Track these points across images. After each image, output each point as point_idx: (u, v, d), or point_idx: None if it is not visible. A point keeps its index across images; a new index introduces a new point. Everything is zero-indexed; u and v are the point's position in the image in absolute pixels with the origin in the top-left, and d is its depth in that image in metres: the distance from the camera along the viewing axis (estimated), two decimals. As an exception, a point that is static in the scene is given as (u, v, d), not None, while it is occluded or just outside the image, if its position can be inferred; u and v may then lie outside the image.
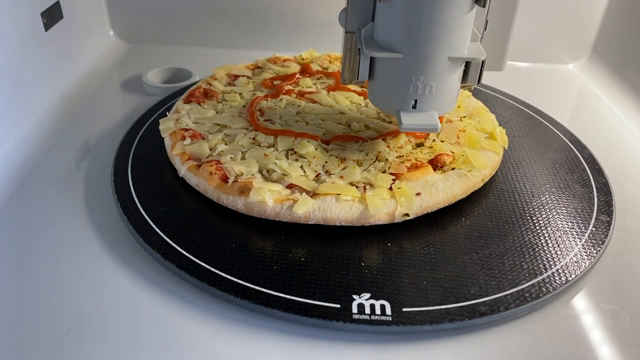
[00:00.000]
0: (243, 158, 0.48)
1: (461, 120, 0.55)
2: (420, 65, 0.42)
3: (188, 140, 0.50)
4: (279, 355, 0.35)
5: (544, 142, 0.57)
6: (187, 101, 0.57)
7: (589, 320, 0.38)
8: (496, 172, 0.51)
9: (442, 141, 0.51)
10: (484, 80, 0.68)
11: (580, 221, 0.45)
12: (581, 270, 0.40)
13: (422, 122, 0.44)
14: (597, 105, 0.70)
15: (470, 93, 0.60)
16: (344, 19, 0.44)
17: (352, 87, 0.61)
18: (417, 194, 0.44)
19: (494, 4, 0.45)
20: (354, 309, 0.36)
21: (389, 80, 0.44)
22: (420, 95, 0.43)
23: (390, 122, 0.54)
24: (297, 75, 0.63)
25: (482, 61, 0.44)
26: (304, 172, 0.46)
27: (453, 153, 0.49)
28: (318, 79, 0.63)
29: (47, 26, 0.62)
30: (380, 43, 0.43)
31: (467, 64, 0.44)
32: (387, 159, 0.48)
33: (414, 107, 0.44)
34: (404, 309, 0.37)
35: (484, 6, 0.41)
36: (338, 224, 0.43)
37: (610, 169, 0.52)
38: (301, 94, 0.59)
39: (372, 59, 0.44)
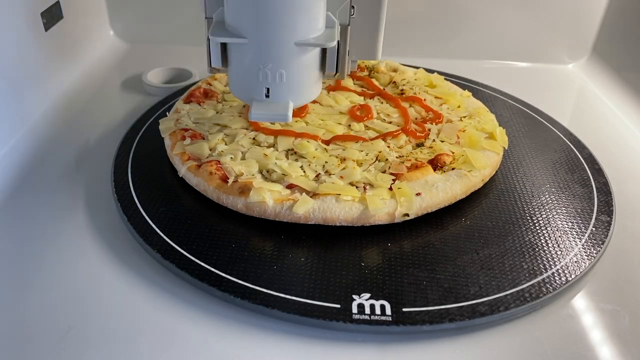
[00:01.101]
0: (243, 158, 0.48)
1: (461, 120, 0.55)
2: (267, 51, 0.41)
3: (188, 140, 0.50)
4: (279, 355, 0.35)
5: (544, 142, 0.57)
6: (187, 101, 0.57)
7: (589, 320, 0.38)
8: (496, 172, 0.51)
9: (442, 141, 0.51)
10: (484, 81, 0.69)
11: (580, 221, 0.45)
12: (581, 270, 0.40)
13: (273, 111, 0.42)
14: (597, 105, 0.70)
15: (470, 93, 0.60)
16: (203, 4, 0.43)
17: (351, 87, 0.61)
18: (417, 194, 0.44)
19: None
20: (354, 309, 0.36)
21: (241, 67, 0.43)
22: (271, 84, 0.42)
23: (390, 122, 0.54)
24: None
25: (338, 48, 0.42)
26: (304, 172, 0.46)
27: (453, 153, 0.49)
28: (318, 79, 0.63)
29: (47, 26, 0.62)
30: (229, 28, 0.41)
31: (324, 51, 0.42)
32: (387, 159, 0.48)
33: (267, 96, 0.42)
34: (404, 309, 0.37)
35: None
36: (338, 224, 0.43)
37: (610, 169, 0.52)
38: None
39: (224, 46, 0.42)
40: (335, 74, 0.44)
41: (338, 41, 0.42)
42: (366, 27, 0.44)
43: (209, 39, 0.42)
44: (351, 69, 0.46)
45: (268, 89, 0.42)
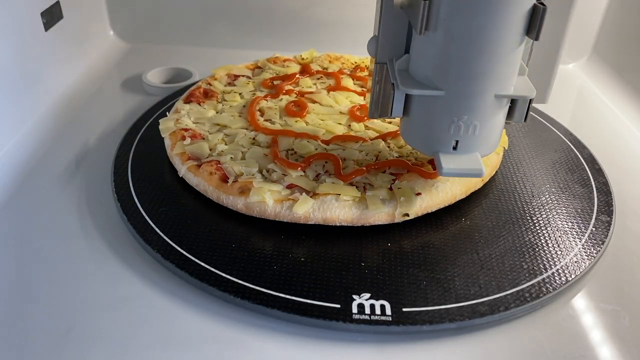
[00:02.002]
0: (243, 158, 0.48)
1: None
2: (464, 104, 0.38)
3: (188, 140, 0.50)
4: (279, 355, 0.35)
5: (544, 142, 0.57)
6: (187, 101, 0.57)
7: (589, 320, 0.38)
8: (496, 172, 0.51)
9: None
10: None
11: (580, 221, 0.45)
12: (581, 270, 0.40)
13: (465, 165, 0.39)
14: (597, 105, 0.70)
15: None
16: (374, 49, 0.40)
17: (351, 87, 0.61)
18: (417, 194, 0.44)
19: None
20: (354, 309, 0.36)
21: (427, 119, 0.40)
22: (462, 136, 0.39)
23: (390, 122, 0.54)
24: (297, 75, 0.63)
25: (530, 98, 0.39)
26: (304, 172, 0.46)
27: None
28: (318, 79, 0.63)
29: (47, 26, 0.62)
30: (417, 77, 0.39)
31: (514, 100, 0.40)
32: (387, 159, 0.48)
33: (454, 149, 0.40)
34: (404, 309, 0.37)
35: (537, 39, 0.36)
36: (338, 224, 0.43)
37: (610, 169, 0.52)
38: (301, 94, 0.59)
39: (407, 95, 0.40)
40: (525, 121, 0.42)
41: None
42: (540, 69, 0.42)
43: (393, 89, 0.39)
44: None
45: (457, 142, 0.40)
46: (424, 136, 0.41)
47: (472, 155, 0.40)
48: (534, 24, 0.35)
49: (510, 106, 0.41)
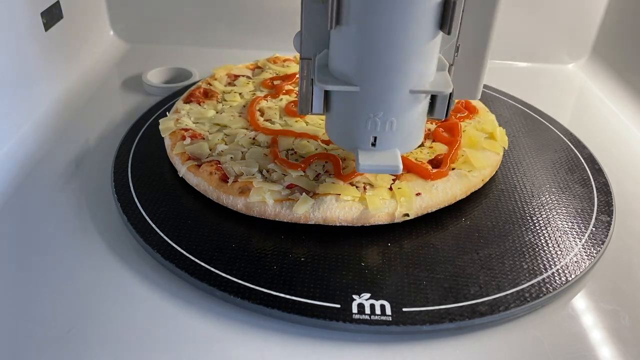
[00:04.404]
0: (243, 158, 0.48)
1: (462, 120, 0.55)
2: (379, 100, 0.38)
3: (188, 140, 0.50)
4: (279, 355, 0.35)
5: (544, 142, 0.57)
6: (187, 101, 0.57)
7: (589, 320, 0.38)
8: (496, 172, 0.51)
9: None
10: (485, 81, 0.69)
11: (580, 221, 0.45)
12: (581, 270, 0.40)
13: (382, 162, 0.39)
14: (597, 105, 0.70)
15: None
16: (299, 44, 0.40)
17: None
18: (417, 194, 0.44)
19: (465, 27, 0.40)
20: (354, 309, 0.36)
21: (346, 115, 0.40)
22: (379, 132, 0.39)
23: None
24: (297, 75, 0.63)
25: (450, 93, 0.39)
26: (304, 172, 0.46)
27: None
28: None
29: (47, 26, 0.62)
30: (335, 73, 0.39)
31: (434, 96, 0.40)
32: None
33: (373, 145, 0.40)
34: (404, 309, 0.37)
35: (449, 33, 0.35)
36: (338, 224, 0.43)
37: (610, 169, 0.53)
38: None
39: (327, 91, 0.40)
40: (445, 118, 0.41)
41: None
42: (468, 65, 0.41)
43: (311, 84, 0.39)
44: (451, 110, 0.43)
45: (375, 138, 0.39)
46: (344, 132, 0.41)
47: (391, 151, 0.40)
48: (445, 18, 0.35)
49: (431, 102, 0.40)
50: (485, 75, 0.42)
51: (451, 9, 0.34)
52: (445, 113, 0.40)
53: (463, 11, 0.38)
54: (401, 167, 0.39)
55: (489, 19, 0.40)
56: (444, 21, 0.35)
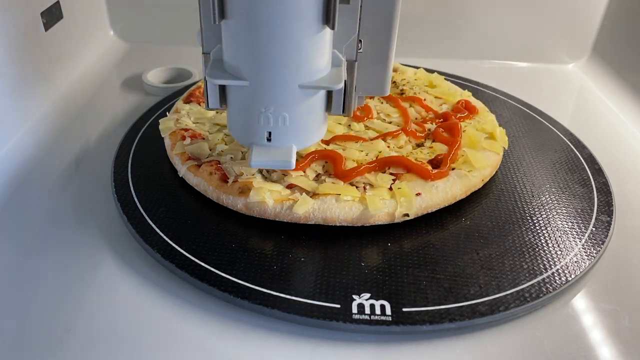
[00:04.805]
0: (243, 158, 0.48)
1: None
2: (268, 94, 0.38)
3: (188, 140, 0.50)
4: (279, 355, 0.35)
5: (544, 142, 0.57)
6: (187, 101, 0.57)
7: (589, 320, 0.38)
8: (496, 172, 0.51)
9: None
10: (484, 81, 0.69)
11: (580, 221, 0.45)
12: (581, 270, 0.40)
13: (274, 157, 0.39)
14: (597, 105, 0.70)
15: (470, 93, 0.60)
16: (200, 39, 0.40)
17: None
18: (417, 194, 0.44)
19: (369, 23, 0.39)
20: (354, 309, 0.36)
21: (241, 110, 0.40)
22: (273, 127, 0.39)
23: (390, 122, 0.54)
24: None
25: (347, 87, 0.39)
26: (304, 172, 0.46)
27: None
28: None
29: (47, 26, 0.62)
30: (228, 68, 0.39)
31: (330, 92, 0.40)
32: (386, 157, 0.48)
33: (269, 140, 0.40)
34: (404, 309, 0.37)
35: (333, 28, 0.35)
36: (338, 224, 0.43)
37: (610, 169, 0.52)
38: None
39: (223, 86, 0.40)
40: (344, 114, 0.42)
41: (345, 80, 0.39)
42: (374, 61, 0.41)
43: (205, 79, 0.40)
44: (357, 104, 0.43)
45: (270, 133, 0.39)
46: (241, 127, 0.41)
47: (286, 147, 0.40)
48: (329, 13, 0.35)
49: (328, 98, 0.41)
50: (391, 69, 0.42)
51: (332, 4, 0.34)
52: (342, 109, 0.40)
53: (361, 7, 0.38)
54: (294, 163, 0.39)
55: (390, 15, 0.39)
56: (327, 16, 0.35)
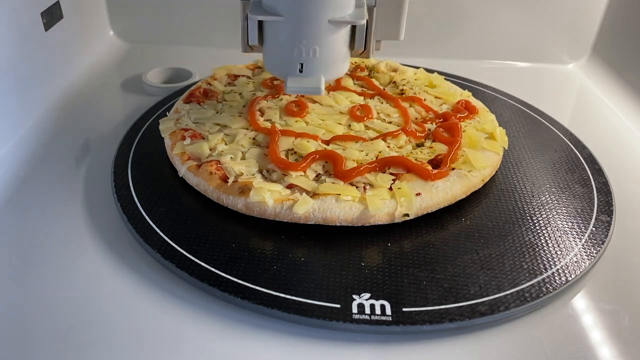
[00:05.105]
0: (243, 158, 0.48)
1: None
2: (302, 29, 0.44)
3: (188, 140, 0.50)
4: (279, 355, 0.35)
5: (544, 142, 0.57)
6: (187, 101, 0.57)
7: (589, 320, 0.38)
8: (496, 172, 0.51)
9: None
10: (484, 81, 0.69)
11: (580, 221, 0.45)
12: (581, 270, 0.40)
13: (307, 85, 0.45)
14: (597, 105, 0.70)
15: (470, 93, 0.60)
16: None
17: (351, 87, 0.61)
18: (417, 194, 0.44)
19: None
20: (354, 309, 0.36)
21: (276, 44, 0.46)
22: (305, 59, 0.45)
23: (390, 122, 0.54)
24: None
25: (367, 26, 0.45)
26: (304, 172, 0.46)
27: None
28: (318, 79, 0.63)
29: (47, 26, 0.62)
30: (266, 8, 0.44)
31: (353, 29, 0.45)
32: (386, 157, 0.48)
33: (300, 71, 0.45)
34: (404, 309, 0.37)
35: None
36: (338, 224, 0.43)
37: (610, 169, 0.52)
38: (301, 94, 0.59)
39: (261, 25, 0.45)
40: (363, 52, 0.47)
41: (367, 20, 0.45)
42: (390, 8, 0.48)
43: (246, 19, 0.45)
44: (376, 49, 0.49)
45: (302, 64, 0.45)
46: (276, 61, 0.47)
47: (315, 77, 0.46)
48: None
49: (352, 35, 0.46)
50: (405, 17, 0.49)
51: None
52: (363, 45, 0.46)
53: None
54: (323, 89, 0.45)
55: None
56: None
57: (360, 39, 0.46)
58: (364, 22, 0.44)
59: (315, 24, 0.43)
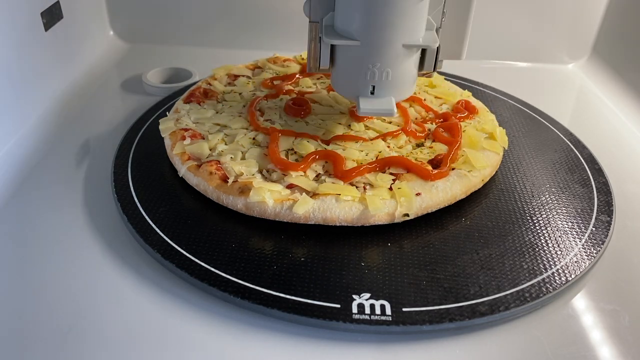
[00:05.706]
0: (243, 158, 0.48)
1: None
2: (376, 52, 0.44)
3: (188, 140, 0.50)
4: (279, 355, 0.35)
5: (544, 142, 0.57)
6: (187, 101, 0.57)
7: (589, 320, 0.38)
8: (496, 172, 0.51)
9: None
10: (484, 81, 0.69)
11: (580, 221, 0.45)
12: (581, 270, 0.40)
13: (379, 107, 0.46)
14: (597, 105, 0.70)
15: (470, 93, 0.60)
16: (308, 9, 0.46)
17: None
18: (417, 194, 0.44)
19: None
20: (354, 309, 0.36)
21: (348, 67, 0.46)
22: (377, 82, 0.45)
23: (390, 122, 0.54)
24: (297, 75, 0.63)
25: (437, 48, 0.46)
26: (304, 172, 0.46)
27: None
28: (318, 79, 0.63)
29: (47, 26, 0.62)
30: (340, 32, 0.45)
31: (423, 51, 0.46)
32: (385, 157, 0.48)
33: (372, 93, 0.46)
34: (404, 309, 0.37)
35: None
36: (338, 224, 0.43)
37: (610, 169, 0.52)
38: (301, 94, 0.59)
39: (332, 47, 0.46)
40: (434, 71, 0.48)
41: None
42: (454, 30, 0.49)
43: (319, 42, 0.46)
44: (439, 67, 0.50)
45: (374, 87, 0.46)
46: (347, 83, 0.47)
47: (387, 98, 0.46)
48: None
49: (421, 57, 0.47)
50: (468, 38, 0.50)
51: None
52: (433, 66, 0.48)
53: None
54: (395, 111, 0.45)
55: None
56: None
57: (430, 61, 0.47)
58: (437, 45, 0.45)
59: (390, 48, 0.44)
